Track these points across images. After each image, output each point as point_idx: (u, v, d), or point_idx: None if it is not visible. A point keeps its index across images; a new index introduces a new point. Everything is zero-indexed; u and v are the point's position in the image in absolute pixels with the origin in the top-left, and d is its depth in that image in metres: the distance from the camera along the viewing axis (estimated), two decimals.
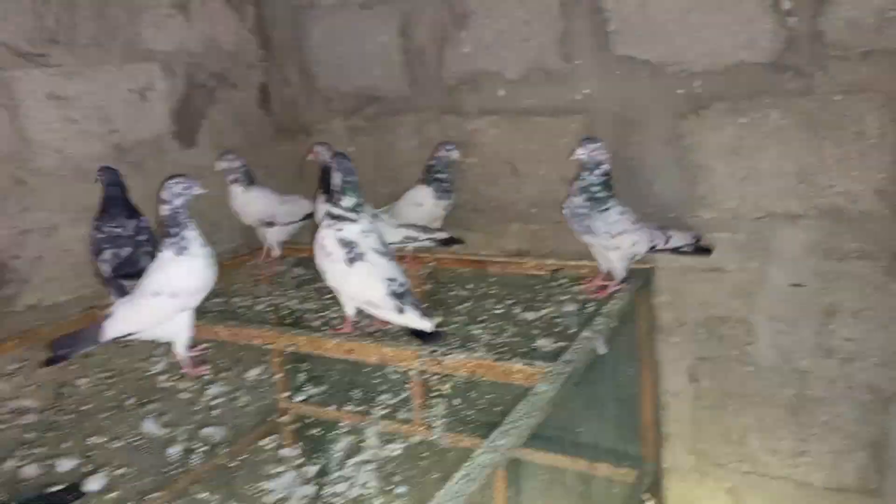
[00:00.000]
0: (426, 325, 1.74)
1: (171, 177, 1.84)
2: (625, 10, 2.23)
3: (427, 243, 2.38)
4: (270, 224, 2.70)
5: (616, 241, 2.04)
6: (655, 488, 2.43)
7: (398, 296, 1.77)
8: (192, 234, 1.82)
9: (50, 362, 1.74)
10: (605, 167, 2.02)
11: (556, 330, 1.94)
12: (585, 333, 1.78)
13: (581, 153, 2.01)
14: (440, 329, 1.76)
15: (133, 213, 2.15)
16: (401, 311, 1.76)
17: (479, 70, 2.55)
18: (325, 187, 2.45)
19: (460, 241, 2.41)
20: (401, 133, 2.81)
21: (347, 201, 1.87)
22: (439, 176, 2.45)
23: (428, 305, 2.24)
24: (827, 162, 2.06)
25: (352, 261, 1.83)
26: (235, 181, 2.68)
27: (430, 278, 2.52)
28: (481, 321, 2.05)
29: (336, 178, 1.87)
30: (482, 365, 1.69)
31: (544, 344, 1.83)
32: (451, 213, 2.55)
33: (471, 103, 2.61)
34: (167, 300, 1.79)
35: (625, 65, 2.27)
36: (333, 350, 1.88)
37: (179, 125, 2.70)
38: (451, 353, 1.73)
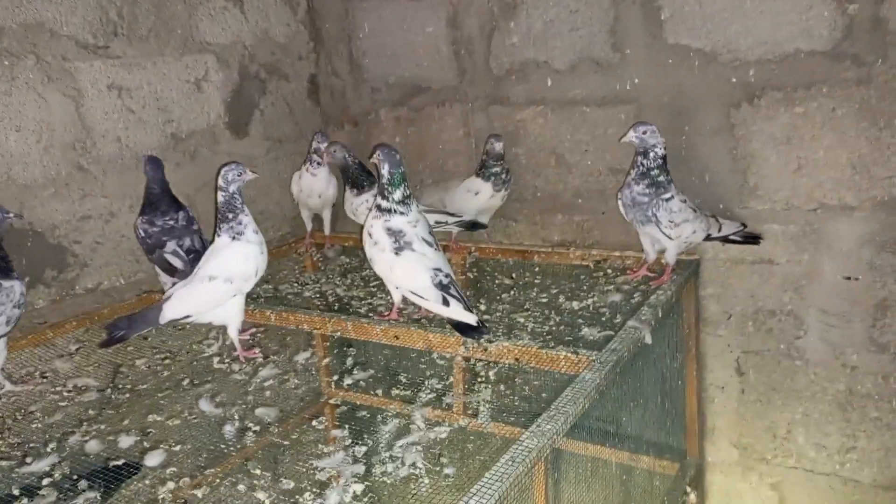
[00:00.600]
0: (470, 318, 1.75)
1: (225, 164, 1.89)
2: None
3: (454, 227, 2.46)
4: (333, 204, 2.79)
5: (678, 231, 2.03)
6: (698, 482, 2.41)
7: (443, 287, 1.79)
8: (247, 220, 1.88)
9: (108, 343, 1.81)
10: (660, 150, 2.01)
11: (602, 319, 1.94)
12: (631, 323, 1.78)
13: (632, 135, 2.00)
14: (483, 324, 1.77)
15: (178, 204, 2.22)
16: (446, 302, 1.77)
17: (528, 60, 2.55)
18: (350, 182, 2.51)
19: (483, 226, 2.52)
20: (447, 123, 2.83)
21: (397, 194, 1.88)
22: (494, 169, 2.46)
23: (472, 293, 2.27)
24: (885, 152, 2.01)
25: (398, 250, 1.85)
26: (322, 164, 2.70)
27: (473, 267, 2.54)
28: (525, 309, 2.06)
29: (384, 171, 1.89)
30: (527, 352, 1.70)
31: (589, 333, 1.83)
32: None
33: (518, 93, 2.62)
34: (222, 284, 1.83)
35: (677, 54, 2.25)
36: (380, 336, 1.91)
37: (232, 116, 2.77)
38: (496, 340, 1.75)
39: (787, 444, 2.32)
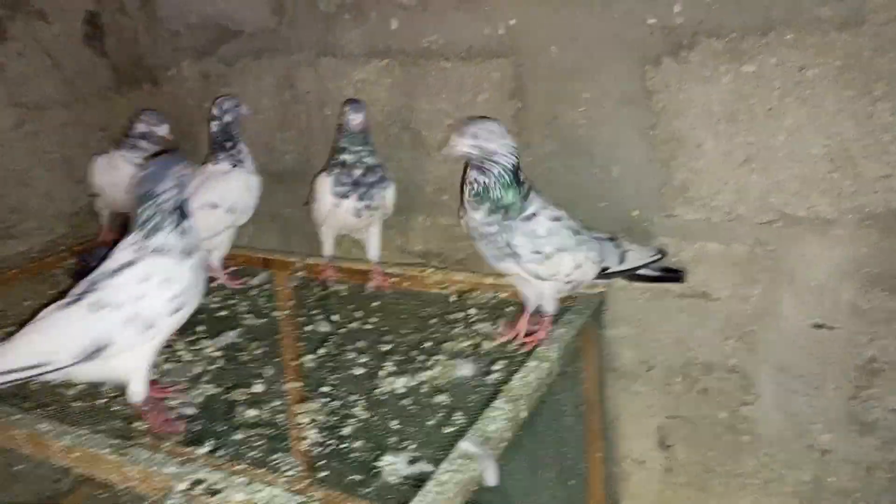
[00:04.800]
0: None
1: (220, 96, 1.76)
2: None
3: None
4: None
5: (551, 266, 1.29)
6: None
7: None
8: (245, 150, 1.74)
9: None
10: (507, 160, 1.26)
11: (429, 423, 1.19)
12: (465, 447, 1.03)
13: (464, 144, 1.25)
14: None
15: None
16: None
17: None
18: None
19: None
20: (267, 83, 2.01)
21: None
22: (344, 157, 1.56)
23: (263, 352, 1.50)
24: (881, 137, 1.28)
25: None
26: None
27: (293, 296, 1.76)
28: (322, 394, 1.30)
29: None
30: None
31: (395, 463, 1.08)
32: None
33: (355, 40, 1.80)
34: (224, 214, 1.68)
35: None
36: (59, 455, 1.15)
37: None
38: (226, 487, 0.99)
39: None
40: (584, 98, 1.51)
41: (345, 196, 1.56)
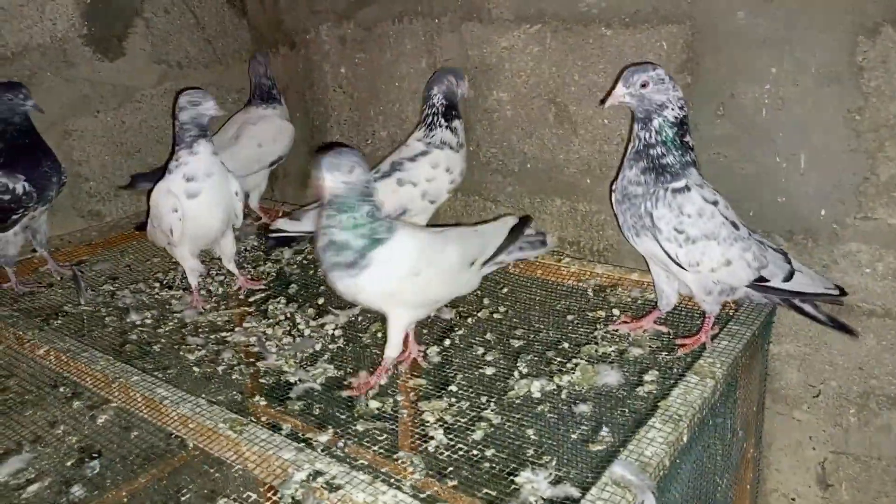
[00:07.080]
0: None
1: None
2: None
3: None
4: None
5: (691, 252, 1.13)
6: None
7: None
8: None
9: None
10: (671, 113, 1.13)
11: (571, 437, 1.04)
12: (618, 471, 0.88)
13: (624, 92, 1.14)
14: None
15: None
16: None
17: None
18: None
19: None
20: (406, 48, 1.90)
21: None
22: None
23: (381, 340, 1.39)
24: None
25: None
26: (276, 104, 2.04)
27: None
28: (450, 393, 1.17)
29: None
30: None
31: (535, 481, 0.93)
32: (467, 176, 1.69)
33: (503, 4, 1.67)
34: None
35: None
36: (175, 423, 1.09)
37: (96, 26, 1.93)
38: (346, 484, 0.89)
39: None
40: (771, 74, 1.29)
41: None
